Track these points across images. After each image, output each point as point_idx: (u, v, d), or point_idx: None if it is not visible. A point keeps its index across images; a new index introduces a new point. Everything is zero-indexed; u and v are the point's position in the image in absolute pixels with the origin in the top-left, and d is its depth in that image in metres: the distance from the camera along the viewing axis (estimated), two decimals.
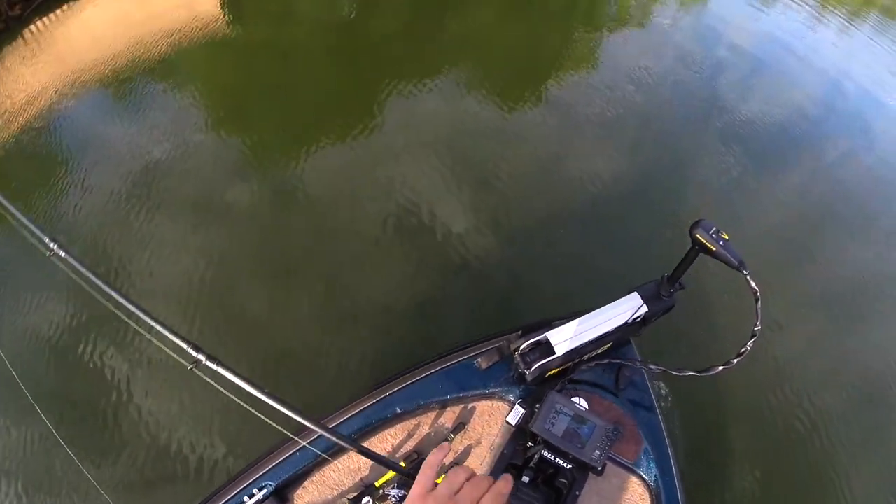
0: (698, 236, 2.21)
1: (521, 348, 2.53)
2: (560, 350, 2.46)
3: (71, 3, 12.14)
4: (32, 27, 11.41)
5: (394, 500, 2.38)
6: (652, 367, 2.61)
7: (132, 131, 8.14)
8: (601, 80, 11.25)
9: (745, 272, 2.13)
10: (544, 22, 13.87)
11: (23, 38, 10.99)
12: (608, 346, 2.64)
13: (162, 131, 8.20)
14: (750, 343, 2.19)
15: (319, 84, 10.49)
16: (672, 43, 14.56)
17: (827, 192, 9.79)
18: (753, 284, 2.14)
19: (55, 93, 9.26)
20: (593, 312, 2.54)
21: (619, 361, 2.71)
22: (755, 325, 2.19)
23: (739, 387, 5.55)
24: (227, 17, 12.66)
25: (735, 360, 2.24)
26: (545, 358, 2.49)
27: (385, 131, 9.06)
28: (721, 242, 2.18)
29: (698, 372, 2.37)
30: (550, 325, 2.55)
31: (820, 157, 11.59)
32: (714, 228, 2.22)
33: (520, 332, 2.66)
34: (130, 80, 9.57)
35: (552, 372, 2.61)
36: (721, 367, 2.30)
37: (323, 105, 9.90)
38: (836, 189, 9.96)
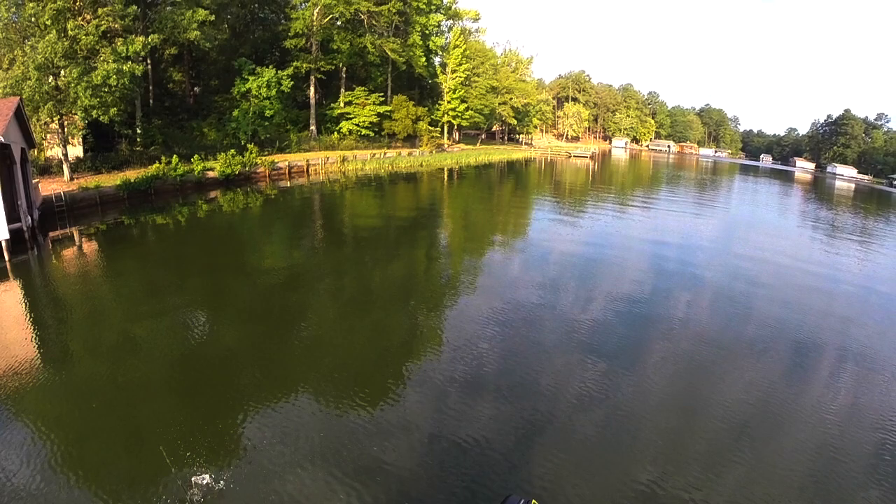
0: None
1: None
2: None
3: None
4: None
5: None
6: None
7: None
8: (451, 350, 13.16)
9: None
10: (384, 310, 15.59)
11: None
12: None
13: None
14: None
15: (171, 424, 10.44)
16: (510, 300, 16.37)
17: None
18: None
19: None
20: None
21: None
22: None
23: None
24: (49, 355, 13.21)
25: None
26: None
27: (258, 466, 9.17)
28: None
29: None
30: None
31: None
32: (522, 502, 1.81)
33: None
34: None
35: None
36: None
37: (181, 446, 9.75)
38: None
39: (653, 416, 11.30)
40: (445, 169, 49.09)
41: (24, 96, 33.41)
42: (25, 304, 18.46)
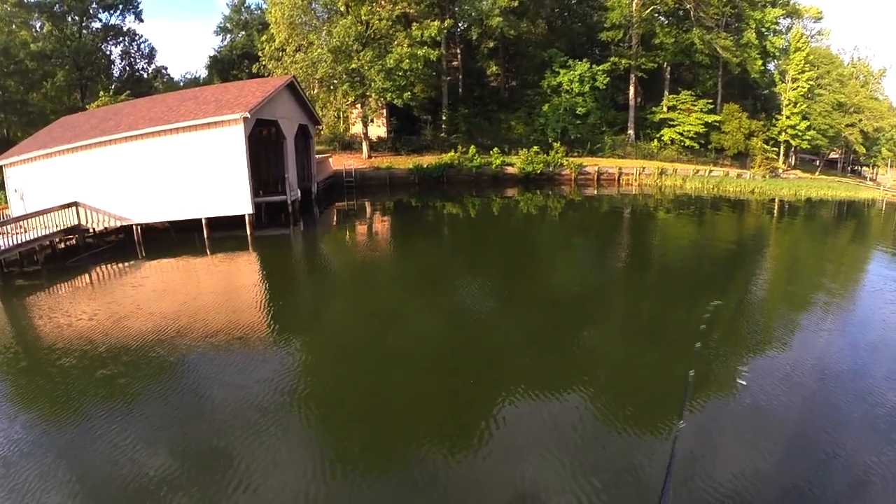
0: None
1: None
2: None
3: None
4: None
5: None
6: None
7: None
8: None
9: None
10: (673, 348, 12.44)
11: None
12: None
13: None
14: None
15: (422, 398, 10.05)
16: None
17: None
18: None
19: None
20: None
21: None
22: None
23: None
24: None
25: None
26: None
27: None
28: None
29: None
30: None
31: None
32: None
33: None
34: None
35: None
36: None
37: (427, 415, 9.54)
38: None
39: None
40: (777, 200, 38.99)
41: (318, 76, 36.58)
42: (250, 277, 18.84)
